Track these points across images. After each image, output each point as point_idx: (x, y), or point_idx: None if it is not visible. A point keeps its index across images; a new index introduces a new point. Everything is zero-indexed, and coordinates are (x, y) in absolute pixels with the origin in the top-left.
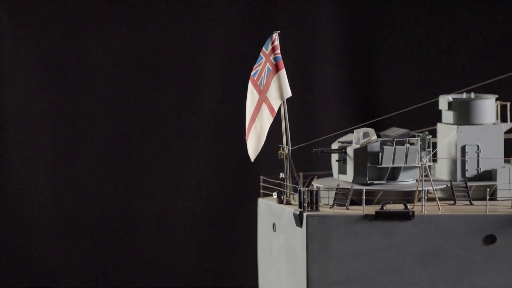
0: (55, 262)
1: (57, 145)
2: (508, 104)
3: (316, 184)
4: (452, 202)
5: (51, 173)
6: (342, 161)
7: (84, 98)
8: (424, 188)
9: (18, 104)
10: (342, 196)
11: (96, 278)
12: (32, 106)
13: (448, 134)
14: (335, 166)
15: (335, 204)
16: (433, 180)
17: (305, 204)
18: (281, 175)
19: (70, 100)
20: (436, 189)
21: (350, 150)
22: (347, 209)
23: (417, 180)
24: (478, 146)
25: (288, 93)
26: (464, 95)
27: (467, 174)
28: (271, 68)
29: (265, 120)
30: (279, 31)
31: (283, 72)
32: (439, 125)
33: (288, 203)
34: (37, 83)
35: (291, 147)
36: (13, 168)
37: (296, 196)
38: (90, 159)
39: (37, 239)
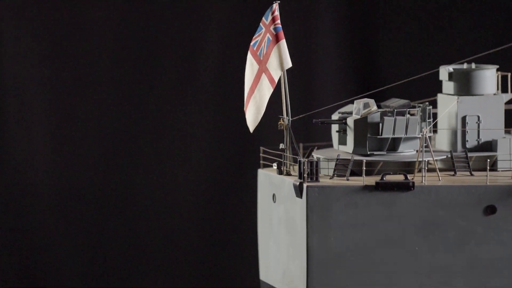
0: (54, 235)
1: (57, 118)
2: (509, 74)
3: (316, 155)
4: (452, 172)
5: (51, 146)
6: (342, 132)
7: (83, 71)
8: (424, 159)
9: (17, 77)
10: (342, 167)
11: (95, 251)
12: (31, 79)
13: (448, 104)
14: (335, 137)
15: (335, 175)
16: (434, 151)
17: (305, 175)
18: (281, 146)
19: (70, 73)
20: (436, 160)
21: (350, 121)
22: (347, 179)
23: (417, 151)
24: (478, 117)
25: (288, 63)
26: (465, 66)
27: (468, 145)
28: (271, 39)
29: (265, 91)
30: (279, 1)
31: (283, 42)
32: (439, 95)
33: (288, 174)
34: (37, 56)
35: (291, 117)
36: (12, 142)
37: (296, 167)
38: (89, 131)
39: (37, 212)
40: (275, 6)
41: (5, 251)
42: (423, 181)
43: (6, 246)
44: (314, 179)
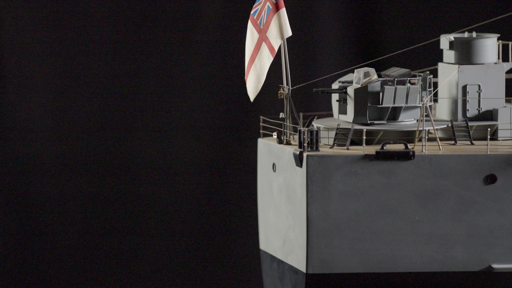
0: (52, 200)
1: (57, 85)
2: (510, 43)
3: (316, 124)
4: (452, 142)
5: (51, 114)
6: (343, 101)
7: (82, 37)
8: (424, 128)
9: (16, 45)
10: (342, 136)
11: (96, 218)
12: (31, 46)
13: (449, 73)
14: (335, 106)
15: (335, 144)
16: (434, 120)
17: (305, 144)
18: (281, 115)
19: (69, 39)
20: (436, 129)
21: (350, 90)
22: (347, 149)
23: (417, 120)
24: (479, 86)
25: (288, 32)
26: (466, 35)
27: (468, 114)
28: (271, 7)
29: (265, 60)
30: None
31: (283, 11)
32: (440, 64)
33: (288, 143)
34: (36, 23)
35: (291, 87)
36: (12, 109)
37: (296, 136)
38: (89, 98)
39: (37, 179)
40: None
41: (5, 219)
42: (424, 150)
43: (6, 214)
44: (314, 148)
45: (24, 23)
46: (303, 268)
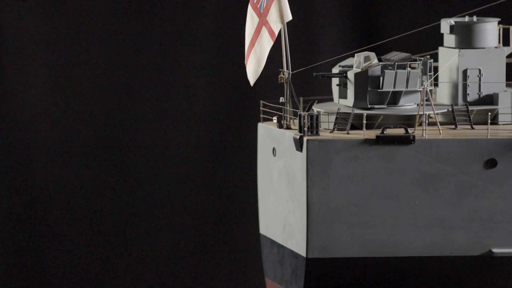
0: (53, 187)
1: (57, 71)
2: (511, 27)
3: (316, 108)
4: (453, 126)
5: (51, 100)
6: (343, 86)
7: (83, 22)
8: (425, 112)
9: (16, 31)
10: (343, 121)
11: (96, 202)
12: (31, 32)
13: (449, 58)
14: (335, 90)
15: (336, 129)
16: (434, 104)
17: (305, 129)
18: (281, 99)
19: (70, 26)
20: (437, 113)
21: (351, 74)
22: (348, 133)
23: (418, 104)
24: (479, 70)
25: (288, 16)
26: (466, 19)
27: (469, 98)
28: None
29: (265, 44)
30: None
31: None
32: (440, 49)
33: (288, 127)
34: (36, 9)
35: (291, 71)
36: (12, 95)
37: (296, 120)
38: (90, 84)
39: (37, 165)
40: None
41: (5, 204)
42: (424, 135)
43: (6, 200)
44: (314, 132)
45: (25, 9)
46: (303, 253)
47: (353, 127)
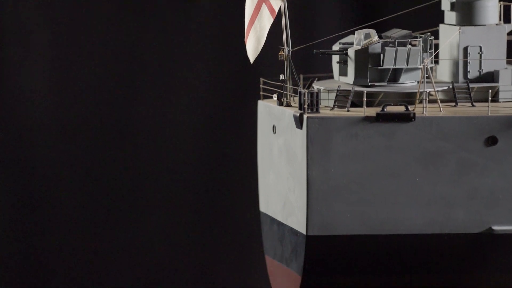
0: (53, 168)
1: (56, 52)
2: (511, 4)
3: (316, 86)
4: (453, 103)
5: (51, 80)
6: (343, 63)
7: (83, 3)
8: (425, 90)
9: (16, 11)
10: (343, 98)
11: (95, 181)
12: (32, 14)
13: (450, 35)
14: (336, 67)
15: (336, 106)
16: (435, 82)
17: (306, 106)
18: (281, 77)
19: (71, 7)
20: (437, 91)
21: (351, 52)
22: (348, 111)
23: (418, 82)
24: (480, 47)
25: None
26: None
27: (469, 76)
28: None
29: (265, 21)
30: None
31: None
32: (441, 26)
33: (288, 105)
34: None
35: (292, 48)
36: (12, 75)
37: (297, 98)
38: (89, 64)
39: (36, 146)
40: None
41: (5, 184)
42: (424, 112)
43: (6, 179)
44: (315, 110)
45: None
46: (303, 230)
47: (353, 105)
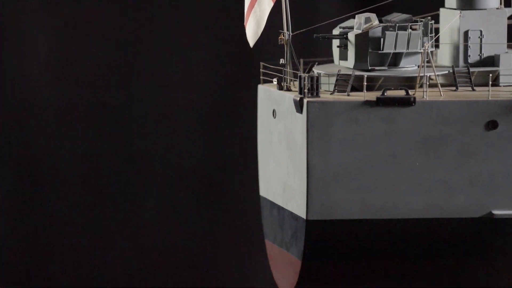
0: (53, 149)
1: (56, 31)
2: None
3: (316, 70)
4: (454, 88)
5: (49, 58)
6: (343, 47)
7: None
8: (426, 74)
9: None
10: (343, 82)
11: (95, 163)
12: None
13: (450, 19)
14: (336, 52)
15: (336, 90)
16: (435, 66)
17: (306, 90)
18: (281, 61)
19: None
20: (438, 75)
21: (351, 36)
22: (348, 95)
23: (418, 66)
24: (481, 31)
25: None
26: None
27: (470, 60)
28: None
29: (265, 5)
30: None
31: None
32: (441, 10)
33: (289, 89)
34: None
35: (292, 32)
36: (11, 53)
37: (297, 82)
38: (89, 44)
39: (36, 125)
40: None
41: (5, 168)
42: (425, 96)
43: (6, 163)
44: (315, 94)
45: None
46: (303, 215)
47: (354, 89)
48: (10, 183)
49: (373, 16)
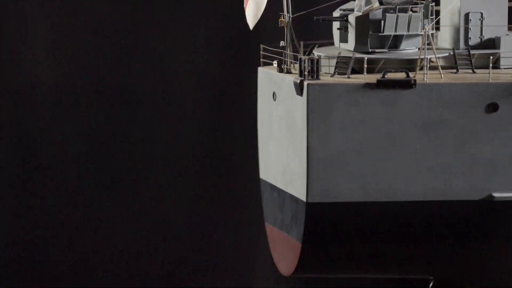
0: (52, 134)
1: (57, 13)
2: None
3: (317, 52)
4: (454, 70)
5: (50, 43)
6: (344, 29)
7: None
8: (426, 56)
9: None
10: (343, 65)
11: (95, 145)
12: None
13: (451, 1)
14: (336, 34)
15: (336, 73)
16: (436, 48)
17: (306, 73)
18: (282, 43)
19: None
20: (438, 57)
21: (351, 18)
22: (348, 77)
23: (419, 48)
24: (481, 14)
25: None
26: None
27: (470, 42)
28: None
29: None
30: None
31: None
32: None
33: (289, 72)
34: None
35: (292, 14)
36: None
37: (297, 64)
38: (89, 28)
39: (36, 109)
40: None
41: (5, 150)
42: (425, 79)
43: (6, 145)
44: (315, 77)
45: None
46: (303, 197)
47: (354, 71)
48: (9, 178)
49: None
